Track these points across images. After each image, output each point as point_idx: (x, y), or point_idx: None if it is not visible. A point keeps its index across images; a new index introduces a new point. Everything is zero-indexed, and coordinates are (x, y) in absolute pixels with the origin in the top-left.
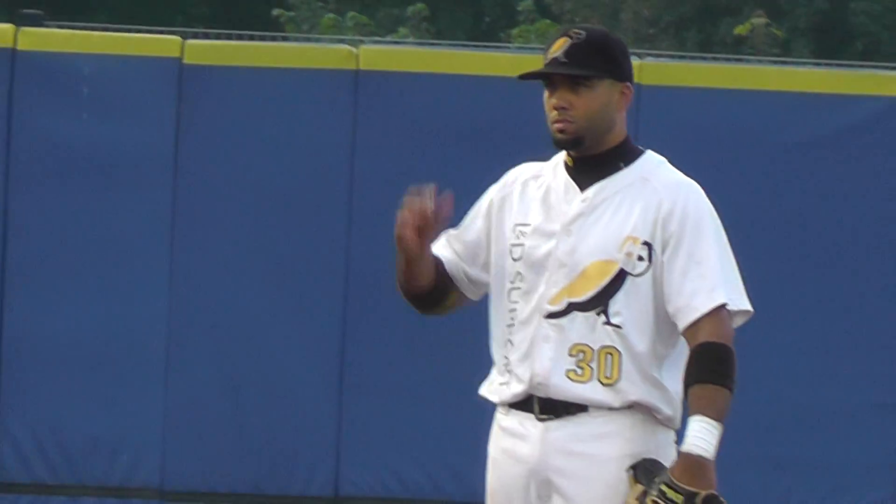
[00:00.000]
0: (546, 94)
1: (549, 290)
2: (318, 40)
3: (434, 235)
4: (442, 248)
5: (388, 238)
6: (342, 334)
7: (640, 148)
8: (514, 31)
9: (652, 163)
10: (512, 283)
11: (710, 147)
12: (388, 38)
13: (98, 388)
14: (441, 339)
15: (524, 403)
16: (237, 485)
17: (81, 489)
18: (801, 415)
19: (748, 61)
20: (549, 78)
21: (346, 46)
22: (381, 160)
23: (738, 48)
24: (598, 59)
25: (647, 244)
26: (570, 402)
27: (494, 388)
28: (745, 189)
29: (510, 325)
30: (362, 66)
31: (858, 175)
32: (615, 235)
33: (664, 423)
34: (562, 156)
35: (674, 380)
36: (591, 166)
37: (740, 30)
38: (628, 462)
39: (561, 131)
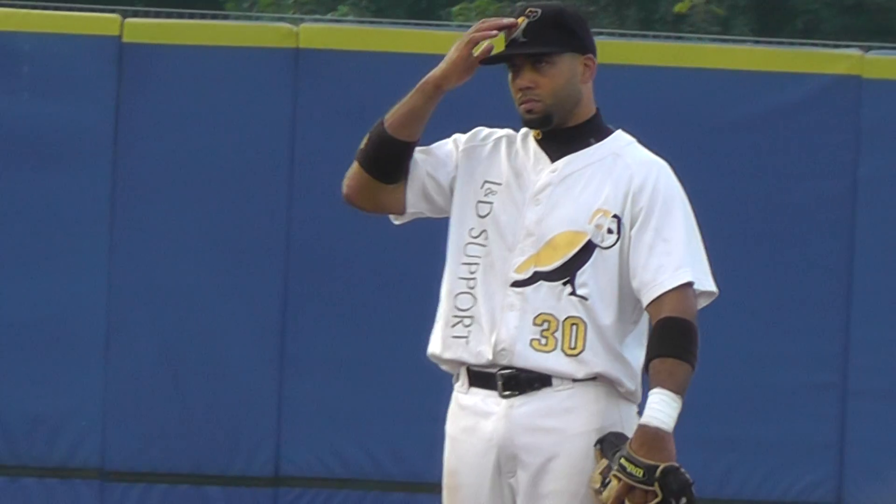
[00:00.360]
0: (510, 76)
1: (516, 259)
2: (258, 18)
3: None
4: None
5: (329, 216)
6: (283, 313)
7: (611, 127)
8: (455, 9)
9: (623, 140)
10: (474, 237)
11: (650, 125)
12: (329, 17)
13: (37, 368)
14: (382, 319)
15: (485, 379)
16: (178, 464)
17: (21, 469)
18: (741, 394)
19: (688, 39)
20: (510, 60)
21: (286, 24)
22: (321, 138)
23: (678, 26)
24: (557, 35)
25: (617, 217)
26: (532, 373)
27: (448, 341)
28: (686, 167)
29: (464, 279)
30: (302, 45)
31: (799, 154)
32: (586, 207)
33: (626, 396)
34: (528, 129)
35: (635, 355)
36: (560, 140)
37: (680, 7)
38: (595, 436)
39: (529, 111)
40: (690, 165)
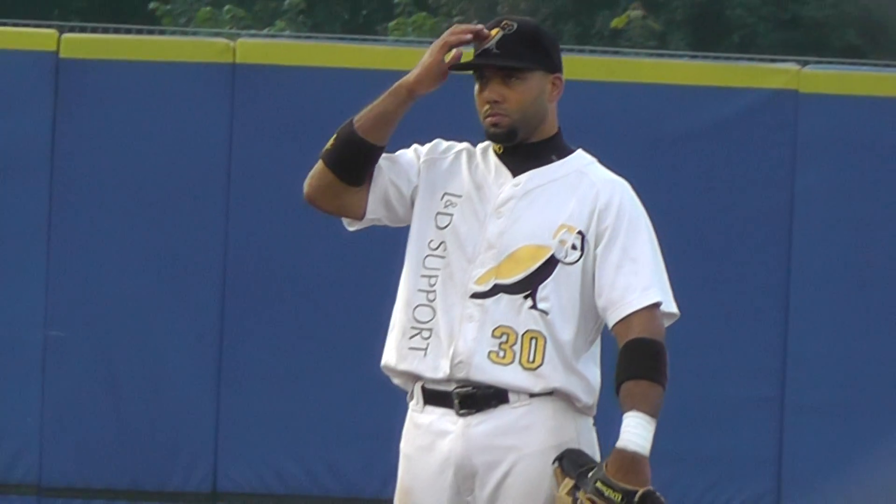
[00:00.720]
0: (477, 87)
1: (476, 270)
2: (195, 34)
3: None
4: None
5: (266, 230)
6: (220, 327)
7: (572, 147)
8: (391, 24)
9: (585, 159)
10: (433, 249)
11: (588, 140)
12: (265, 32)
13: None
14: (320, 333)
15: (441, 398)
16: (115, 480)
17: None
18: (683, 408)
19: (625, 54)
20: (480, 70)
21: (223, 40)
22: (258, 152)
23: (615, 41)
24: (530, 51)
25: (581, 234)
26: (489, 389)
27: (404, 352)
28: None
29: (423, 291)
30: (239, 60)
31: (736, 168)
32: (550, 221)
33: (583, 411)
34: (488, 143)
35: (591, 371)
36: (522, 155)
37: (617, 22)
38: (552, 454)
39: (495, 125)
40: (628, 180)
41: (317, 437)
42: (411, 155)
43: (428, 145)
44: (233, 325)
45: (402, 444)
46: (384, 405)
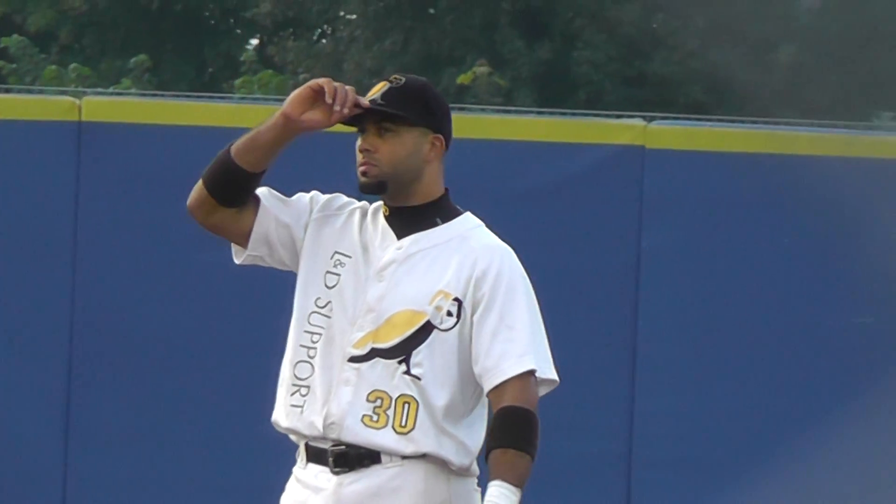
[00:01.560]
0: (358, 139)
1: (355, 334)
2: (40, 92)
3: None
4: (263, 190)
5: (114, 288)
6: (68, 384)
7: (460, 209)
8: (237, 82)
9: (470, 223)
10: (320, 307)
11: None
12: (111, 90)
13: None
14: (171, 390)
15: (320, 456)
16: None
17: None
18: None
19: (471, 110)
20: (360, 120)
21: (69, 98)
22: (104, 209)
23: (461, 97)
24: (412, 106)
25: (458, 301)
26: (362, 449)
27: (287, 409)
28: None
29: (305, 347)
30: (85, 118)
31: (583, 224)
32: (427, 288)
33: (459, 472)
34: (380, 203)
35: (473, 434)
36: (407, 218)
37: (463, 79)
38: None
39: (364, 174)
40: None
41: (165, 493)
42: (306, 201)
43: (326, 197)
44: (81, 382)
45: (282, 497)
46: (234, 462)
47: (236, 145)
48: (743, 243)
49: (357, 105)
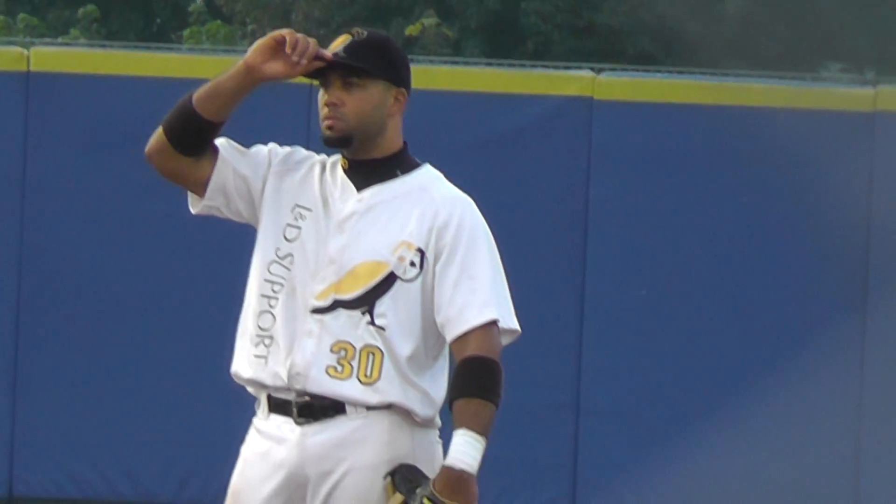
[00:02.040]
0: (321, 92)
1: (317, 286)
2: None
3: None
4: (223, 141)
5: (62, 237)
6: (15, 333)
7: (418, 161)
8: (185, 33)
9: (430, 175)
10: (280, 258)
11: None
12: (59, 40)
13: None
14: (117, 339)
15: (283, 406)
16: None
17: None
18: None
19: (419, 61)
20: (325, 77)
21: (17, 48)
22: (53, 162)
23: (409, 48)
24: (376, 60)
25: (421, 251)
26: (327, 400)
27: (250, 359)
28: None
29: (266, 297)
30: (33, 68)
31: (531, 176)
32: (390, 238)
33: (422, 424)
34: (338, 157)
35: (436, 385)
36: (367, 170)
37: (411, 30)
38: (383, 469)
39: (330, 128)
40: None
41: (113, 442)
42: (265, 154)
43: (285, 151)
44: (28, 331)
45: (243, 448)
46: (180, 411)
47: (198, 93)
48: (690, 193)
49: (320, 58)
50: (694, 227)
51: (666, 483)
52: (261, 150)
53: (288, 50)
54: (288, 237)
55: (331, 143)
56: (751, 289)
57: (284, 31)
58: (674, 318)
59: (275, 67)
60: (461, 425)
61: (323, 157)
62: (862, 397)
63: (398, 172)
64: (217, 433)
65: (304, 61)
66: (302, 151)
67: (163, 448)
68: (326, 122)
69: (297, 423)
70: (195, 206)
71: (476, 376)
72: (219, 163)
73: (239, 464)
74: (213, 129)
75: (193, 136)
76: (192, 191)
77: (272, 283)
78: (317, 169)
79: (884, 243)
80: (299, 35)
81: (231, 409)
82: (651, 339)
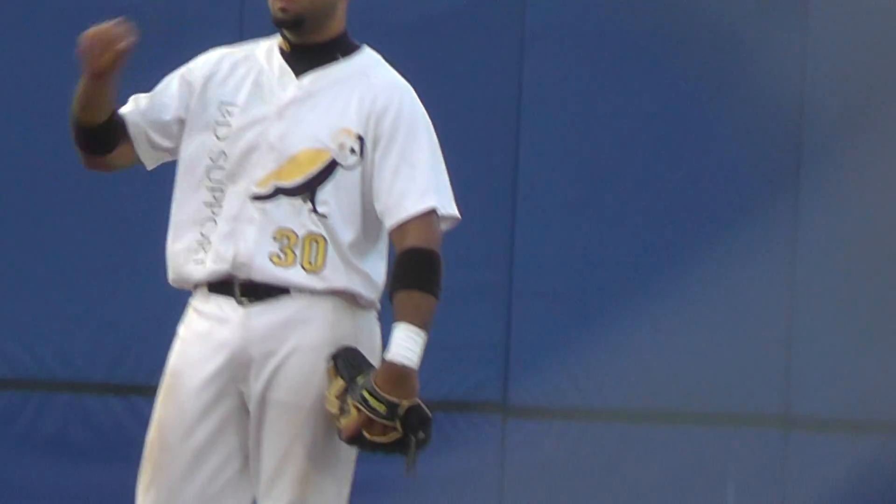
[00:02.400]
0: None
1: (257, 173)
2: None
3: (118, 60)
4: (127, 107)
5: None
6: None
7: (357, 43)
8: None
9: (370, 59)
10: (214, 161)
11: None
12: None
13: None
14: (47, 221)
15: (224, 287)
16: None
17: None
18: None
19: None
20: None
21: None
22: None
23: None
24: None
25: (360, 138)
26: (271, 285)
27: (189, 267)
28: None
29: (210, 204)
30: None
31: (464, 56)
32: (330, 125)
33: (365, 306)
34: (275, 42)
35: (377, 268)
36: (307, 55)
37: None
38: (326, 350)
39: (283, 10)
40: None
41: (43, 322)
42: (175, 85)
43: (199, 63)
44: None
45: (181, 328)
46: (112, 292)
47: (73, 109)
48: (625, 74)
49: (122, 52)
50: (629, 107)
51: (598, 363)
52: (170, 82)
53: (87, 57)
54: (219, 136)
55: (282, 24)
56: (684, 168)
57: (81, 39)
58: (608, 198)
59: (106, 64)
60: (402, 318)
61: (247, 49)
62: (795, 275)
63: (338, 56)
64: (150, 313)
65: (109, 55)
66: (217, 52)
67: (94, 329)
68: (280, 4)
69: (240, 304)
70: (151, 162)
71: (416, 268)
72: (134, 133)
73: (177, 344)
74: (109, 125)
75: (100, 140)
76: (138, 163)
77: (213, 189)
78: (242, 63)
79: (817, 122)
80: (94, 31)
81: (163, 290)
82: (584, 220)
